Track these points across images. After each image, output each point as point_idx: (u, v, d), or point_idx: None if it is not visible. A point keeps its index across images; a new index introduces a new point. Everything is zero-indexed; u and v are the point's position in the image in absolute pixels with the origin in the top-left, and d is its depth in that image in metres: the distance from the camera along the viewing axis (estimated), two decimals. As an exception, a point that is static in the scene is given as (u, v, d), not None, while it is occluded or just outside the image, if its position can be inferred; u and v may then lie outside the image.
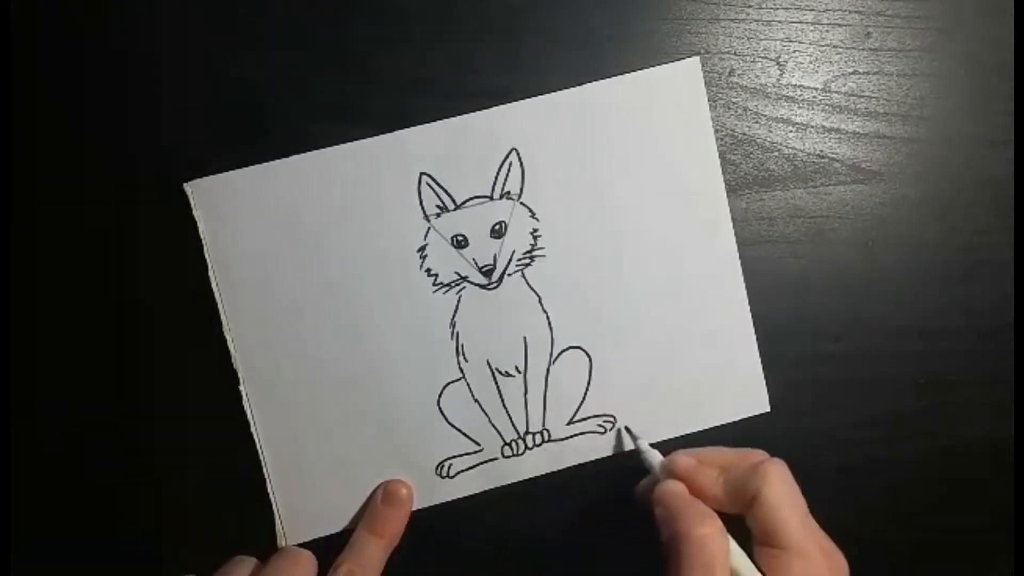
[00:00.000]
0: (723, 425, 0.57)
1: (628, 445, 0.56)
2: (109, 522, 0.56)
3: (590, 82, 0.55)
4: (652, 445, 0.55)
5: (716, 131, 0.56)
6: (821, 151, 0.57)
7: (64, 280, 0.55)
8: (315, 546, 0.55)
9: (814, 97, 0.57)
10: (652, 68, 0.55)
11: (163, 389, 0.56)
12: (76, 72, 0.54)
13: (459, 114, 0.54)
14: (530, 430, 0.56)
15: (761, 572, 0.47)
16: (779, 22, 0.57)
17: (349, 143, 0.54)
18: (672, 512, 0.49)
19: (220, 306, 0.54)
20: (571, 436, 0.56)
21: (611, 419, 0.56)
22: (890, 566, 0.57)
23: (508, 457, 0.56)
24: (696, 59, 0.55)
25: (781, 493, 0.49)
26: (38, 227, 0.55)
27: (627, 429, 0.56)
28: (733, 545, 0.48)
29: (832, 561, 0.48)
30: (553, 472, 0.57)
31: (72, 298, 0.55)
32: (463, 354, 0.56)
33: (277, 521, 0.56)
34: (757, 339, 0.57)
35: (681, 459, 0.52)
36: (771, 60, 0.57)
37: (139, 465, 0.56)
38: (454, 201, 0.55)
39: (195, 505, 0.56)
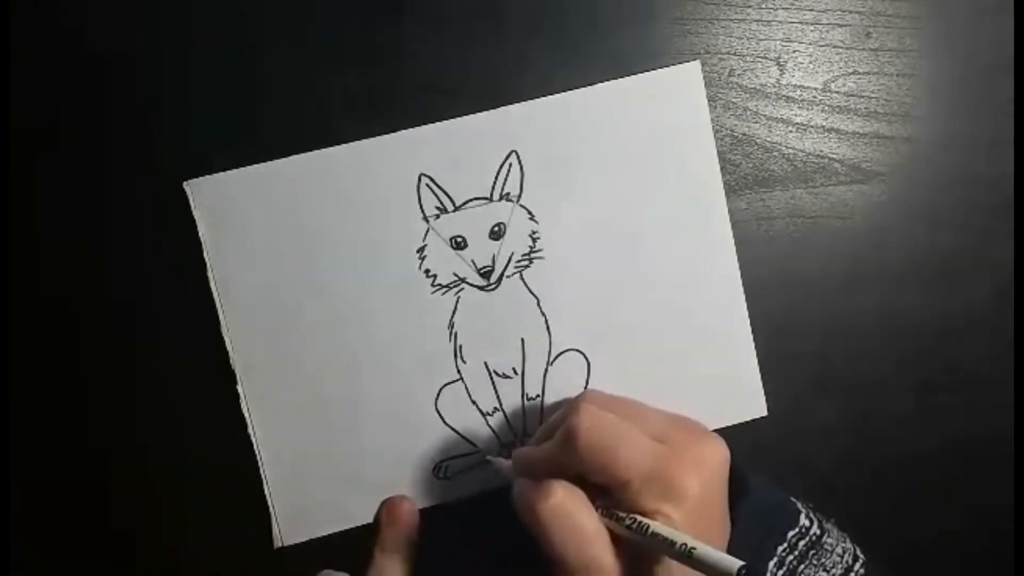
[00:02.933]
0: (720, 428, 0.57)
1: None
2: (106, 521, 0.56)
3: (590, 84, 0.55)
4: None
5: (716, 131, 0.56)
6: (821, 151, 0.57)
7: (63, 279, 0.55)
8: (311, 547, 0.56)
9: (814, 97, 0.57)
10: (652, 71, 0.55)
11: (161, 389, 0.56)
12: (76, 71, 0.54)
13: (459, 115, 0.54)
14: (527, 432, 0.56)
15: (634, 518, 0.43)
16: (779, 22, 0.57)
17: (349, 143, 0.54)
18: (518, 507, 0.45)
19: (218, 306, 0.54)
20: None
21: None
22: (888, 566, 0.57)
23: (506, 459, 0.56)
24: (696, 63, 0.55)
25: (590, 432, 0.44)
26: (37, 226, 0.55)
27: (487, 459, 0.56)
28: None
29: (683, 460, 0.44)
30: (551, 474, 0.57)
31: (71, 297, 0.55)
32: (461, 355, 0.55)
33: (273, 521, 0.55)
34: (757, 339, 0.57)
35: (515, 452, 0.50)
36: (771, 60, 0.57)
37: (134, 465, 0.56)
38: (453, 202, 0.55)
39: (191, 505, 0.56)
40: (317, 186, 0.54)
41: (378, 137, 0.54)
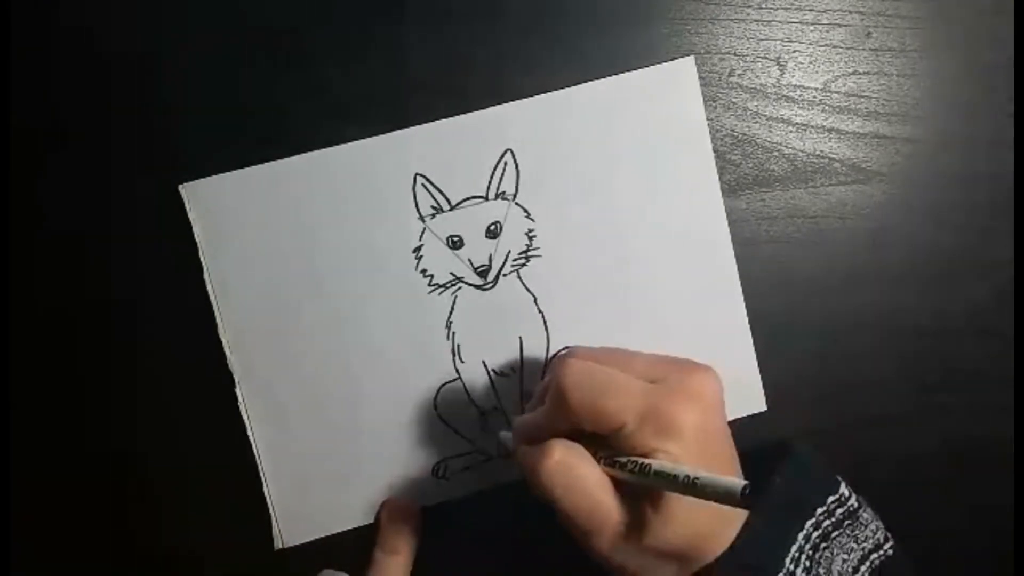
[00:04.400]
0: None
1: None
2: (106, 521, 0.56)
3: (586, 82, 0.55)
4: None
5: (716, 131, 0.56)
6: (821, 151, 0.57)
7: (64, 279, 0.55)
8: (311, 547, 0.56)
9: (814, 97, 0.57)
10: (647, 68, 0.55)
11: (160, 389, 0.56)
12: (76, 71, 0.54)
13: (454, 115, 0.54)
14: (527, 431, 0.56)
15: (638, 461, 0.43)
16: (779, 22, 0.57)
17: (343, 144, 0.54)
18: (524, 469, 0.46)
19: (215, 308, 0.54)
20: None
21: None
22: (911, 556, 0.57)
23: (505, 458, 0.56)
24: (691, 58, 0.55)
25: (577, 383, 0.45)
26: (38, 226, 0.55)
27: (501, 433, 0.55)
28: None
29: (678, 394, 0.45)
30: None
31: (71, 298, 0.55)
32: (459, 355, 0.56)
33: (273, 522, 0.56)
34: (757, 338, 0.57)
35: (515, 421, 0.50)
36: (771, 60, 0.57)
37: (134, 465, 0.56)
38: (449, 202, 0.55)
39: (191, 505, 0.56)
40: (312, 187, 0.54)
41: (372, 137, 0.54)
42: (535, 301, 0.55)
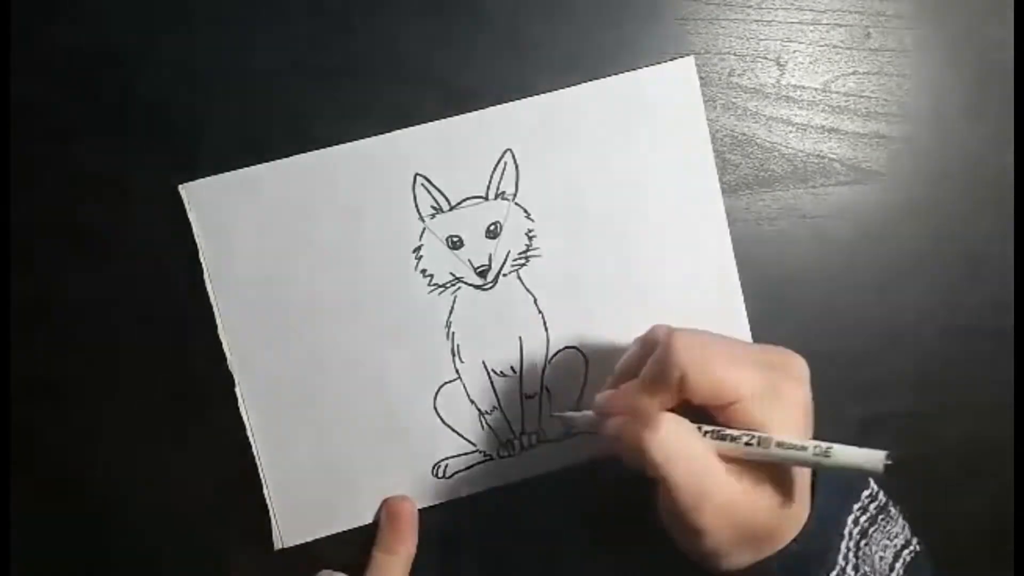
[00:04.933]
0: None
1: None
2: (106, 522, 0.56)
3: (586, 82, 0.55)
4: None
5: (716, 131, 0.56)
6: (821, 151, 0.57)
7: (60, 282, 0.55)
8: (311, 548, 0.56)
9: (814, 97, 0.57)
10: (647, 68, 0.55)
11: (158, 392, 0.56)
12: (73, 72, 0.54)
13: (454, 115, 0.54)
14: (526, 430, 0.56)
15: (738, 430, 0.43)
16: (779, 22, 0.57)
17: (343, 144, 0.54)
18: (623, 442, 0.45)
19: (215, 308, 0.54)
20: (566, 436, 0.56)
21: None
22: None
23: (504, 457, 0.56)
24: (691, 58, 0.55)
25: (694, 356, 0.43)
26: (34, 229, 0.55)
27: (556, 415, 0.55)
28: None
29: (785, 373, 0.44)
30: (549, 472, 0.56)
31: (67, 300, 0.55)
32: (459, 355, 0.56)
33: (273, 522, 0.56)
34: (756, 339, 0.56)
35: (599, 396, 0.49)
36: (771, 60, 0.57)
37: (134, 467, 0.56)
38: (449, 202, 0.55)
39: (190, 507, 0.56)
40: (311, 188, 0.54)
41: (372, 138, 0.54)
42: (535, 301, 0.55)
